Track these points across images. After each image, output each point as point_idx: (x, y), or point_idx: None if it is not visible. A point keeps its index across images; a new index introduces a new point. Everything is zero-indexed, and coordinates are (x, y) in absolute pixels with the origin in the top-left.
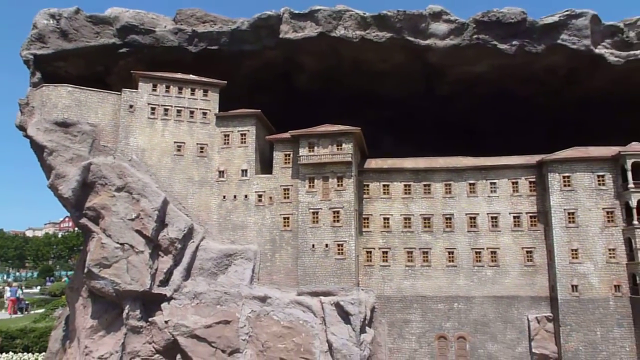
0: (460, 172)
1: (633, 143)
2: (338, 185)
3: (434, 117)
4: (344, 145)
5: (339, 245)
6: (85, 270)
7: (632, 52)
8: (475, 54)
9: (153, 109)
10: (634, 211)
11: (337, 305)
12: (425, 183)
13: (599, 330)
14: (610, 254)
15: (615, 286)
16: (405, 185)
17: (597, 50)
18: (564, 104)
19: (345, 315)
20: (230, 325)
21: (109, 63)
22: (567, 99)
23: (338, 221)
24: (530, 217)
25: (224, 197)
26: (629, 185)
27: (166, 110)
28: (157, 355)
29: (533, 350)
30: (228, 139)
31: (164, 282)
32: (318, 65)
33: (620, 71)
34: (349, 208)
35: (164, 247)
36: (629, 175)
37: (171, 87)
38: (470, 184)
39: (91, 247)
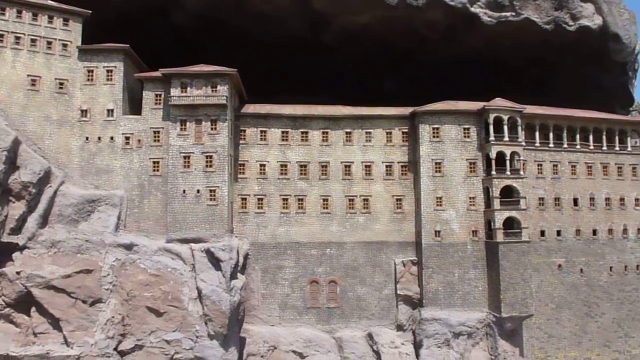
0: (337, 120)
1: (497, 99)
2: (212, 129)
3: (319, 66)
4: (219, 87)
5: (211, 191)
6: None
7: (503, 14)
8: (359, 3)
9: (1, 35)
10: (493, 162)
11: (208, 252)
12: (303, 130)
13: (457, 272)
14: (470, 202)
15: (473, 231)
16: (282, 132)
17: (472, 9)
18: (441, 60)
19: (215, 262)
20: (91, 275)
21: None
22: (444, 56)
23: (211, 166)
24: (402, 166)
25: (87, 138)
26: (490, 138)
27: (17, 38)
28: (7, 308)
29: (398, 292)
30: (92, 75)
31: (16, 230)
32: (198, 2)
33: (492, 31)
34: (223, 153)
35: (16, 192)
36: (491, 128)
37: (24, 12)
38: (346, 133)
39: None
